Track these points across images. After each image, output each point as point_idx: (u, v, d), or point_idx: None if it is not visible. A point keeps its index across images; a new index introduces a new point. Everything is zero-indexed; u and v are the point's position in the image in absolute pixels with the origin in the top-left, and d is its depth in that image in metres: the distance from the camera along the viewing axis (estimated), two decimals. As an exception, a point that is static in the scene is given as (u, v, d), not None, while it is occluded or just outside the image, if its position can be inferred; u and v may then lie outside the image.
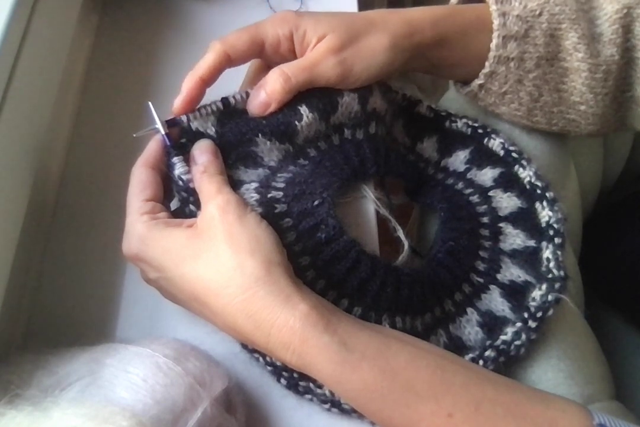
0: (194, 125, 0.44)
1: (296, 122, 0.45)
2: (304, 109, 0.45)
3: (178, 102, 0.44)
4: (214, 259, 0.38)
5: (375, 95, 0.48)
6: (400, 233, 0.48)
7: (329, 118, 0.46)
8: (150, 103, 0.43)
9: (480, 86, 0.49)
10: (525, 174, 0.51)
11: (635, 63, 0.49)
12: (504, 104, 0.51)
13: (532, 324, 0.45)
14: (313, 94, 0.45)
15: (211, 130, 0.45)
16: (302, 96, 0.45)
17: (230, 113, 0.45)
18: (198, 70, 0.44)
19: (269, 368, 0.43)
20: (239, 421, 0.40)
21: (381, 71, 0.46)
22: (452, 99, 0.58)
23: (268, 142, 0.45)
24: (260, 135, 0.45)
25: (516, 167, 0.51)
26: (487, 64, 0.48)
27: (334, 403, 0.42)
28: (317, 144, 0.47)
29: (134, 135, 0.43)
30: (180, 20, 0.62)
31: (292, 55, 0.46)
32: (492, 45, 0.47)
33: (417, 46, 0.46)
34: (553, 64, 0.48)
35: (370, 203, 0.49)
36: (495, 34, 0.47)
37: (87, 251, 0.49)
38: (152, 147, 0.44)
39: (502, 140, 0.52)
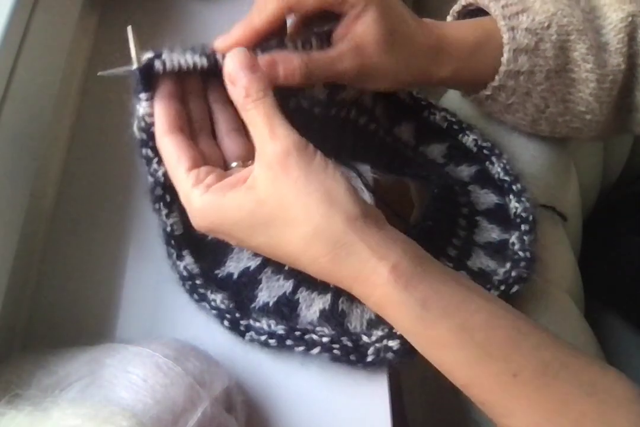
0: (175, 60, 0.39)
1: None
2: None
3: (223, 42, 0.41)
4: (288, 226, 0.37)
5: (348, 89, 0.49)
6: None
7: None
8: (129, 27, 0.37)
9: (487, 96, 0.49)
10: (495, 170, 0.51)
11: (637, 69, 0.49)
12: (509, 113, 0.50)
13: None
14: None
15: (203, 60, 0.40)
16: None
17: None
18: (253, 20, 0.41)
19: (213, 312, 0.44)
20: (239, 421, 0.40)
21: (389, 87, 0.47)
22: (452, 99, 0.58)
23: None
24: None
25: (487, 163, 0.52)
26: (496, 77, 0.47)
27: (271, 335, 0.43)
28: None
29: (98, 73, 0.39)
30: (180, 20, 0.62)
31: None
32: (503, 59, 0.46)
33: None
34: (561, 75, 0.48)
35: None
36: (505, 48, 0.46)
37: (87, 251, 0.49)
38: (160, 111, 0.41)
39: (475, 137, 0.52)
